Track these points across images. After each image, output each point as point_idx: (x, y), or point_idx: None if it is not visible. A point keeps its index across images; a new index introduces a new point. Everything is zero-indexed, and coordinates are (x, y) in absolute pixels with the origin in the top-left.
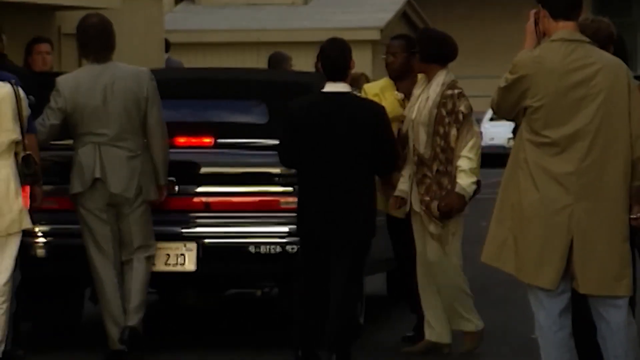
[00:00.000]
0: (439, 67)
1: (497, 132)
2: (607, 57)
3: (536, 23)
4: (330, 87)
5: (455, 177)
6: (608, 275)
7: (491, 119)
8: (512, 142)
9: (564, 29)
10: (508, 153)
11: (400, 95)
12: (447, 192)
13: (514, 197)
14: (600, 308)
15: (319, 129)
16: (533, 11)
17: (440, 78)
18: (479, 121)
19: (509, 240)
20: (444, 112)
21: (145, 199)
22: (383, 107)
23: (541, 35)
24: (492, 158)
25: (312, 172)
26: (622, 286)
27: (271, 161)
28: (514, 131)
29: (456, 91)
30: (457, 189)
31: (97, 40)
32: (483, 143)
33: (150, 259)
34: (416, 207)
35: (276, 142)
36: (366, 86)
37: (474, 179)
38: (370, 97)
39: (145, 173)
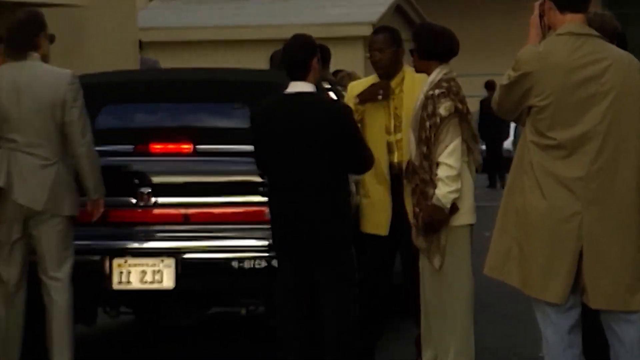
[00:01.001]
0: (437, 64)
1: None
2: (617, 52)
3: (541, 16)
4: (292, 88)
5: None
6: (621, 288)
7: None
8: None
9: (572, 21)
10: (512, 156)
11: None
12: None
13: (519, 204)
14: (612, 324)
15: (282, 133)
16: (538, 2)
17: (432, 76)
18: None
19: (514, 250)
20: (424, 115)
21: (58, 213)
22: (347, 107)
23: (546, 29)
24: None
25: (280, 179)
26: (636, 300)
27: (254, 169)
28: (516, 133)
29: (437, 91)
30: (433, 200)
31: (15, 36)
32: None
33: (66, 282)
34: (411, 218)
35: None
36: (351, 85)
37: (452, 187)
38: (353, 96)
39: (61, 184)
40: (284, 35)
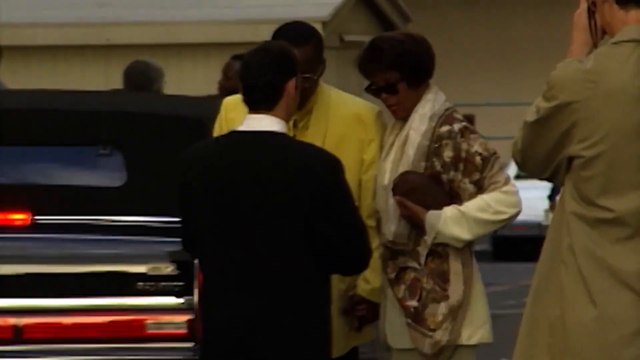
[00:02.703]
0: (427, 86)
1: (526, 199)
2: None
3: (590, 14)
4: (249, 124)
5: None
6: None
7: (516, 177)
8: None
9: (638, 23)
10: (544, 235)
11: None
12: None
13: (553, 314)
14: None
15: (228, 195)
16: None
17: (427, 105)
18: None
19: None
20: (436, 165)
21: None
22: (338, 161)
23: (599, 33)
24: (518, 243)
25: (222, 269)
26: None
27: (132, 253)
28: (552, 196)
29: (457, 126)
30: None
31: None
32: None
33: None
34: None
35: (139, 218)
36: (226, 101)
37: (494, 217)
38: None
39: None
40: (180, 39)
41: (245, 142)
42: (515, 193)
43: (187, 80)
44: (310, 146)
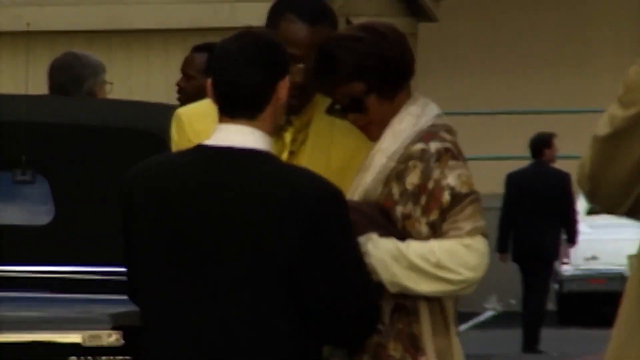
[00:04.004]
0: (407, 92)
1: (603, 241)
2: None
3: None
4: (221, 137)
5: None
6: None
7: (588, 213)
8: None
9: None
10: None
11: None
12: None
13: None
14: None
15: (185, 233)
16: None
17: (407, 118)
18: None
19: None
20: (393, 193)
21: None
22: (340, 193)
23: None
24: (592, 302)
25: (169, 332)
26: None
27: (62, 316)
28: None
29: (434, 145)
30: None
31: None
32: (573, 265)
33: None
34: None
35: (72, 268)
36: (183, 111)
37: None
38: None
39: None
40: (131, 23)
41: (214, 161)
42: (480, 252)
43: (136, 79)
44: (304, 172)
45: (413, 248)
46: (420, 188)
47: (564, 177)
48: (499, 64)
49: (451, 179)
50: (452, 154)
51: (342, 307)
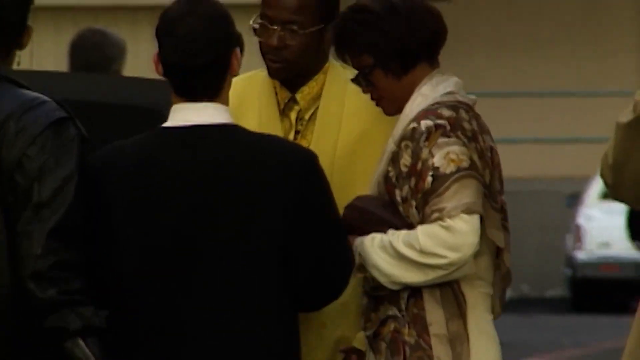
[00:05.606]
0: (427, 68)
1: (615, 227)
2: None
3: None
4: (185, 117)
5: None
6: None
7: (604, 196)
8: None
9: None
10: None
11: None
12: None
13: None
14: None
15: (168, 216)
16: None
17: (419, 97)
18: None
19: None
20: (391, 175)
21: None
22: (315, 156)
23: None
24: (606, 289)
25: (148, 311)
26: None
27: None
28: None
29: (425, 123)
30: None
31: None
32: (585, 254)
33: None
34: None
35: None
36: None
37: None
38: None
39: None
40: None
41: (187, 141)
42: (462, 231)
43: (143, 56)
44: (278, 140)
45: (401, 237)
46: (411, 169)
47: None
48: (514, 44)
49: (437, 159)
50: (443, 130)
51: (330, 266)
